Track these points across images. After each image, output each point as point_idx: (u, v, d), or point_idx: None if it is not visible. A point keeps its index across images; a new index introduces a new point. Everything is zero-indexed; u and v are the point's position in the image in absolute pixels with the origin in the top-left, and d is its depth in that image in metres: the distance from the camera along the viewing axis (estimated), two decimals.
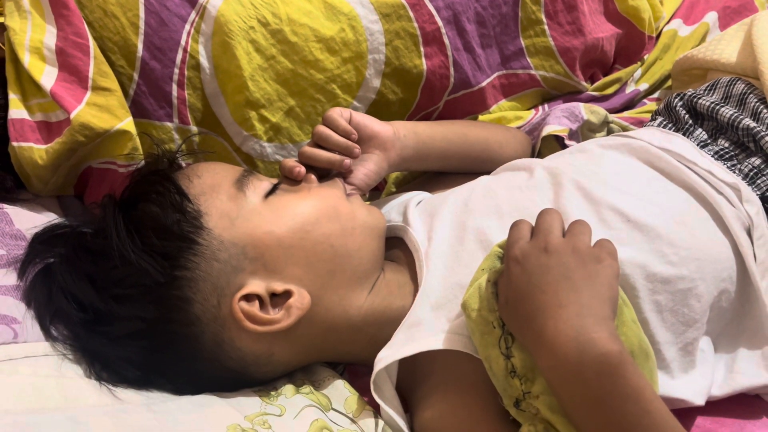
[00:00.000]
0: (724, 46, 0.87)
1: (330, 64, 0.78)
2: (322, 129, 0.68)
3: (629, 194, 0.64)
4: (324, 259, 0.61)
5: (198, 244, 0.58)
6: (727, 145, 0.73)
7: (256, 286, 0.59)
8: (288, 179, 0.67)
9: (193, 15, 0.74)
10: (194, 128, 0.77)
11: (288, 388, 0.60)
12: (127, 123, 0.69)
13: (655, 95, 1.02)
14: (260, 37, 0.75)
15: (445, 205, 0.68)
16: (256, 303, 0.59)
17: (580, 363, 0.46)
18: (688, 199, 0.66)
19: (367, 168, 0.69)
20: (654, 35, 1.03)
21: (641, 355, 0.51)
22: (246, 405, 0.56)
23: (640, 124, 0.92)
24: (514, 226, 0.55)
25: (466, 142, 0.77)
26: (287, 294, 0.59)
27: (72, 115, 0.67)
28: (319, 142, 0.69)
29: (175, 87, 0.75)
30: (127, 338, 0.58)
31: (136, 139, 0.70)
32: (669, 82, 1.03)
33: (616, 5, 0.95)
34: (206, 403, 0.56)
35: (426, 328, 0.59)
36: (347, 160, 0.67)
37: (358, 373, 0.67)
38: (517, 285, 0.51)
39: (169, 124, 0.76)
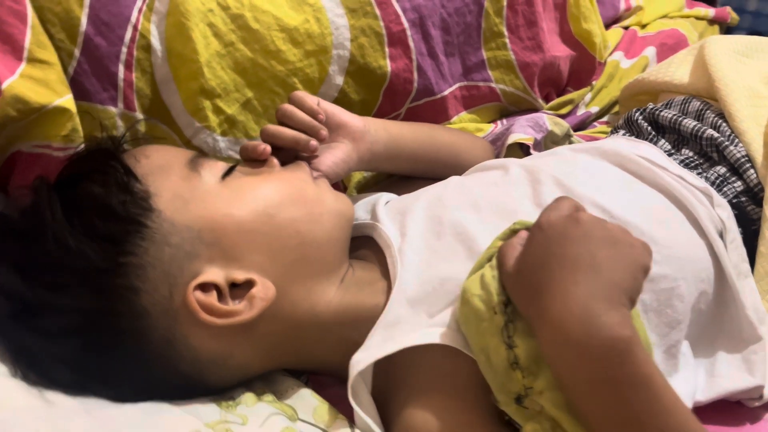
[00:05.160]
0: (675, 69, 0.89)
1: (292, 56, 0.73)
2: (287, 106, 0.63)
3: (608, 193, 0.62)
4: (290, 247, 0.55)
5: (146, 227, 0.51)
6: (691, 154, 0.74)
7: (214, 274, 0.52)
8: (247, 162, 0.61)
9: None
10: (140, 115, 0.70)
11: (248, 397, 0.53)
12: (67, 100, 0.61)
13: (605, 119, 1.04)
14: (219, 21, 0.70)
15: (417, 202, 0.64)
16: (214, 293, 0.52)
17: (585, 344, 0.42)
18: (664, 200, 0.65)
19: (335, 156, 0.64)
20: (603, 61, 1.05)
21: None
22: (204, 413, 0.49)
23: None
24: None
25: (434, 145, 0.74)
26: (249, 284, 0.53)
27: (3, 86, 0.59)
28: (283, 120, 0.64)
29: (121, 68, 0.67)
30: (61, 334, 0.49)
31: (76, 119, 0.62)
32: (617, 108, 1.05)
33: (570, 27, 0.97)
34: (157, 411, 0.48)
35: (405, 326, 0.54)
36: (313, 141, 0.62)
37: (323, 383, 0.60)
38: (535, 253, 0.46)
39: (112, 108, 0.68)
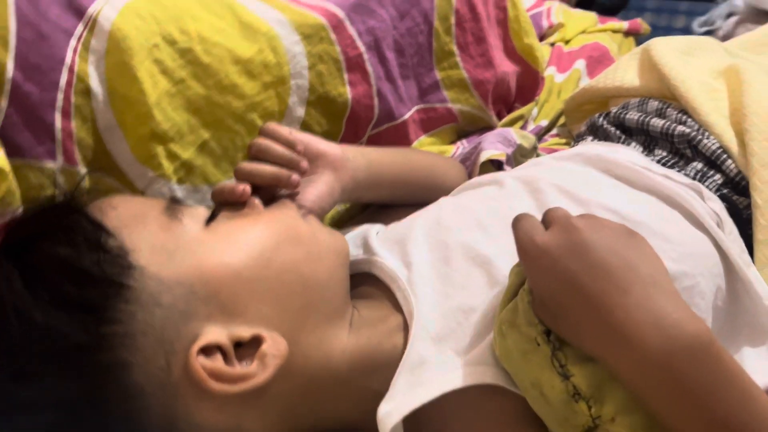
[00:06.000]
0: (622, 74, 0.90)
1: (249, 90, 0.67)
2: (263, 140, 0.57)
3: (609, 196, 0.60)
4: (294, 292, 0.49)
5: (129, 287, 0.43)
6: (665, 154, 0.73)
7: (215, 333, 0.44)
8: (224, 205, 0.54)
9: (80, 28, 0.60)
10: (83, 169, 0.61)
11: None
12: None
13: (554, 132, 1.04)
14: (167, 56, 0.63)
15: (414, 229, 0.59)
16: (219, 356, 0.44)
17: (669, 353, 0.38)
18: (658, 201, 0.63)
19: (317, 189, 0.58)
20: (544, 75, 1.05)
21: None
22: None
23: None
24: (518, 221, 0.46)
25: (413, 168, 0.69)
26: (256, 341, 0.46)
27: None
28: (259, 156, 0.57)
29: (58, 117, 0.59)
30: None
31: (10, 179, 0.53)
32: (562, 120, 1.06)
33: (513, 43, 0.96)
34: None
35: (434, 366, 0.48)
36: (295, 175, 0.56)
37: None
38: (553, 279, 0.42)
39: (50, 164, 0.59)
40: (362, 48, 0.75)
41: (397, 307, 0.54)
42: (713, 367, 0.38)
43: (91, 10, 0.60)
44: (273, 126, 0.59)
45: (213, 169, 0.67)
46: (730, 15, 1.75)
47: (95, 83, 0.60)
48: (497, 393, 0.46)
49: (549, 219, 0.46)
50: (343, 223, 0.73)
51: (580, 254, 0.41)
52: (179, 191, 0.65)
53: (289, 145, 0.58)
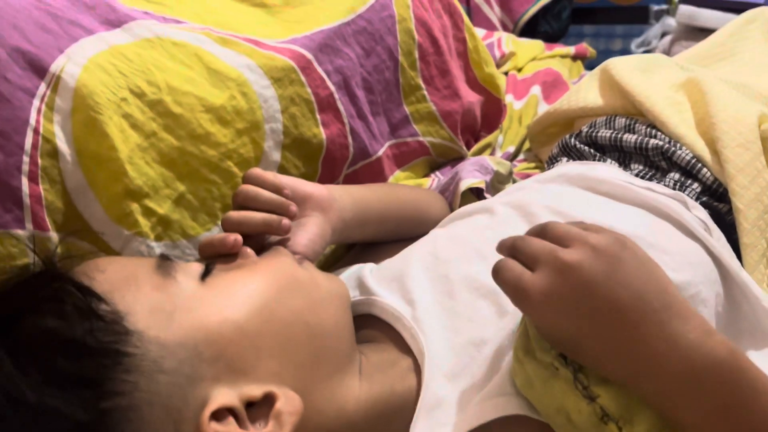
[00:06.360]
0: (585, 94, 0.92)
1: (223, 138, 0.65)
2: (249, 187, 0.55)
3: (602, 213, 0.60)
4: (301, 343, 0.46)
5: (128, 355, 0.40)
6: (641, 167, 0.74)
7: (225, 396, 0.42)
8: (214, 259, 0.51)
9: (42, 87, 0.57)
10: (55, 235, 0.57)
11: None
12: None
13: (521, 157, 1.05)
14: (136, 110, 0.61)
15: (410, 265, 0.57)
16: (231, 420, 0.41)
17: (692, 377, 0.38)
18: (647, 213, 0.63)
19: (309, 232, 0.56)
20: (505, 103, 1.07)
21: None
22: None
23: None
24: (497, 272, 0.43)
25: (398, 202, 0.68)
26: (269, 399, 0.43)
27: None
28: (245, 204, 0.55)
29: (25, 181, 0.55)
30: None
31: None
32: (527, 145, 1.07)
33: (475, 73, 0.97)
34: None
35: (453, 406, 0.46)
36: (285, 220, 0.54)
37: None
38: (561, 326, 0.41)
39: (19, 231, 0.55)
40: (332, 87, 0.74)
41: (405, 347, 0.52)
42: (737, 378, 0.38)
43: (54, 67, 0.58)
44: (257, 171, 0.57)
45: (191, 222, 0.64)
46: (664, 34, 1.83)
47: (62, 143, 0.57)
48: (521, 422, 0.44)
49: (532, 256, 0.42)
50: (329, 266, 0.71)
51: (583, 298, 0.40)
52: (157, 248, 0.62)
53: (276, 189, 0.56)
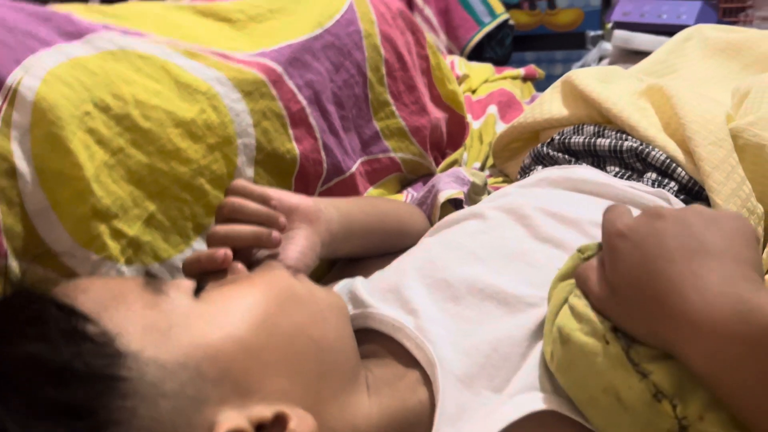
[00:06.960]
0: (549, 106, 0.92)
1: (194, 153, 0.61)
2: (236, 199, 0.52)
3: (594, 211, 0.59)
4: (308, 359, 0.43)
5: (123, 379, 0.36)
6: (618, 169, 0.75)
7: (234, 418, 0.38)
8: (204, 276, 0.47)
9: None
10: (15, 263, 0.52)
11: None
12: None
13: (487, 173, 1.04)
14: (101, 125, 0.56)
15: (405, 274, 0.55)
16: None
17: (754, 336, 0.35)
18: (636, 210, 0.63)
19: (298, 244, 0.53)
20: (468, 120, 1.07)
21: None
22: None
23: None
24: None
25: (381, 215, 0.65)
26: (280, 420, 0.39)
27: None
28: (232, 216, 0.51)
29: None
30: None
31: None
32: (491, 161, 1.07)
33: (438, 91, 0.97)
34: None
35: (476, 410, 0.43)
36: (275, 233, 0.51)
37: None
38: (630, 263, 0.40)
39: None
40: (304, 102, 0.72)
41: (409, 358, 0.49)
42: None
43: (10, 81, 0.53)
44: (242, 182, 0.54)
45: (163, 244, 0.60)
46: (602, 58, 1.90)
47: (21, 161, 0.53)
48: (550, 419, 0.41)
49: (624, 209, 0.45)
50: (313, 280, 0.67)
51: (658, 238, 0.40)
52: (128, 273, 0.57)
53: (263, 200, 0.52)
